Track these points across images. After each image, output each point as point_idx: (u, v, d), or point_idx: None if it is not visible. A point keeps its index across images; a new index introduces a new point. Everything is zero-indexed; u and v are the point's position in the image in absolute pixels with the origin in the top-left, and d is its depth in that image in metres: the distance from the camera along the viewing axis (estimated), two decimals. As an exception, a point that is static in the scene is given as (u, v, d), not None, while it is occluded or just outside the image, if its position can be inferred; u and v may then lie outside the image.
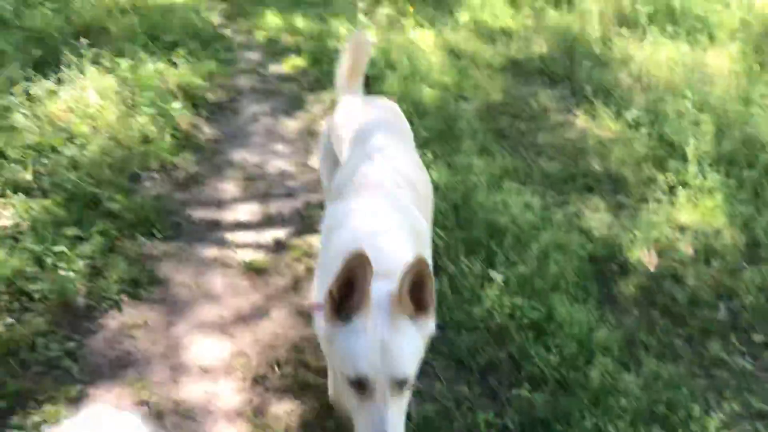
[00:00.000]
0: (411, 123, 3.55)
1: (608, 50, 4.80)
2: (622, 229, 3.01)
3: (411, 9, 5.25)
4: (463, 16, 5.42)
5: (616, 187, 3.40)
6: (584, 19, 5.19)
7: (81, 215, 2.77)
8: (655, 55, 4.50)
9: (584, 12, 5.26)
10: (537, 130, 3.95)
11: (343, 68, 2.55)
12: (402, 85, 4.16)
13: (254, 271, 2.66)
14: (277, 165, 3.49)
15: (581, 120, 4.05)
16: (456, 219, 2.97)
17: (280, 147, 3.66)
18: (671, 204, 3.15)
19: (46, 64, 3.88)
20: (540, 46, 4.96)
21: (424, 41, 4.88)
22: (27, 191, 2.86)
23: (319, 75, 4.39)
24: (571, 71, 4.58)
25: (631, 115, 3.86)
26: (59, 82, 3.72)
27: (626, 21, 5.13)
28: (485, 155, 3.56)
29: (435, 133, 3.68)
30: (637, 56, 4.57)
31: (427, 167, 3.31)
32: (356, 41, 2.58)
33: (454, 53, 4.79)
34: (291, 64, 4.53)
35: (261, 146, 3.66)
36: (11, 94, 3.50)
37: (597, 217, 3.14)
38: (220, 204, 3.12)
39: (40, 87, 3.57)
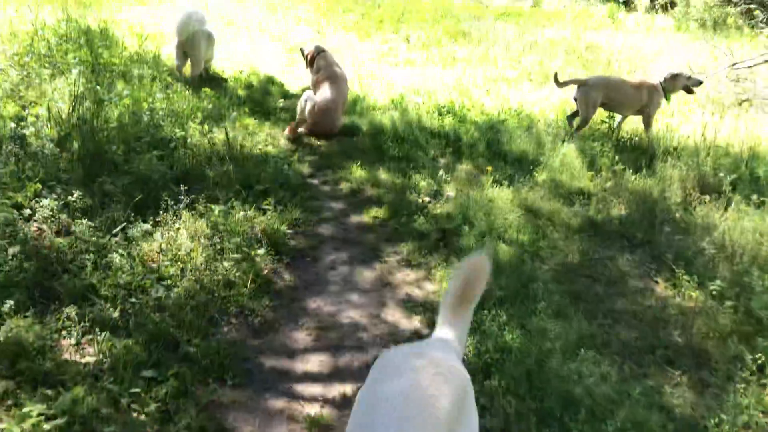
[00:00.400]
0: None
1: (690, 216, 4.75)
2: (707, 409, 2.83)
3: (489, 169, 5.42)
4: (541, 176, 5.55)
5: (699, 363, 3.24)
6: (664, 184, 5.22)
7: (159, 357, 2.87)
8: (739, 224, 4.42)
9: (664, 177, 5.29)
10: (615, 296, 3.87)
11: (452, 292, 2.18)
12: (479, 241, 4.23)
13: (319, 427, 2.63)
14: (350, 315, 3.54)
15: (662, 287, 3.96)
16: (528, 387, 2.88)
17: (354, 297, 3.73)
18: (761, 386, 2.96)
19: (146, 206, 4.20)
20: (619, 209, 4.97)
21: (501, 198, 4.99)
22: (113, 329, 3.01)
23: (398, 226, 4.54)
24: (650, 236, 4.54)
25: (714, 285, 3.74)
26: (156, 224, 4.00)
27: (708, 188, 5.12)
28: (561, 319, 3.50)
29: (509, 293, 3.66)
30: (721, 224, 4.50)
31: (500, 329, 3.31)
32: (475, 266, 2.19)
33: (531, 212, 4.86)
34: (371, 214, 4.71)
35: (336, 295, 3.74)
36: (112, 234, 3.80)
37: (678, 395, 2.97)
38: (291, 353, 3.16)
39: (138, 229, 3.85)
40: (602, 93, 6.36)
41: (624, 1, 16.69)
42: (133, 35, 8.99)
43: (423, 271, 4.01)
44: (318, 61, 6.79)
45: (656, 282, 4.03)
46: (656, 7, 16.11)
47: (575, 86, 6.52)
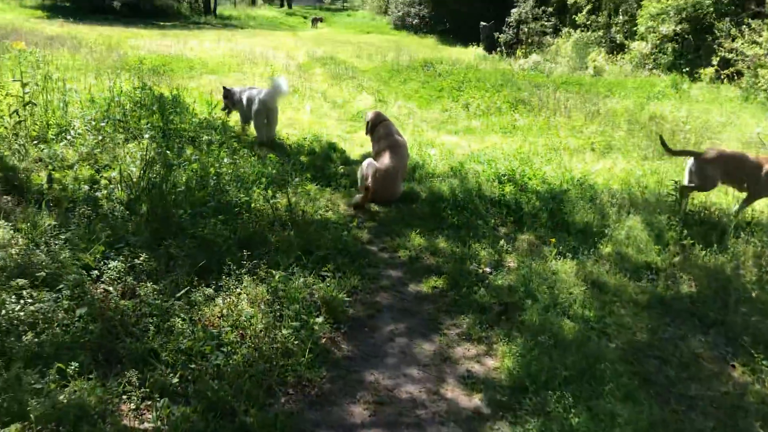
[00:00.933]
0: (549, 357, 3.46)
1: (767, 296, 4.50)
2: None
3: (553, 240, 5.31)
4: (606, 248, 5.40)
5: (787, 459, 2.99)
6: (738, 261, 4.99)
7: (216, 426, 2.83)
8: (823, 305, 4.15)
9: (738, 253, 5.07)
10: (688, 379, 3.65)
11: None
12: (542, 315, 4.10)
13: None
14: (408, 390, 3.44)
15: (739, 372, 3.72)
16: (598, 478, 2.70)
17: (413, 371, 3.64)
18: None
19: (209, 270, 4.27)
20: (689, 286, 4.77)
21: (565, 271, 4.86)
22: (172, 395, 3.00)
23: (458, 297, 4.45)
24: (724, 316, 4.31)
25: (799, 373, 3.49)
26: (218, 288, 4.05)
27: (787, 266, 4.86)
28: (630, 403, 3.31)
29: (575, 373, 3.51)
30: (802, 306, 4.25)
31: (566, 411, 3.15)
32: None
33: (597, 286, 4.70)
34: (430, 284, 4.65)
35: (394, 368, 3.65)
36: (175, 298, 3.85)
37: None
38: (348, 428, 3.08)
39: (201, 293, 3.89)
40: (721, 168, 6.06)
41: (687, 71, 16.51)
42: (202, 102, 9.39)
43: (484, 346, 3.90)
44: (378, 129, 6.91)
45: (733, 366, 3.79)
46: (722, 77, 15.86)
47: (689, 157, 6.34)
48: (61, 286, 3.72)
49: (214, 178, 5.94)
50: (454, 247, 5.30)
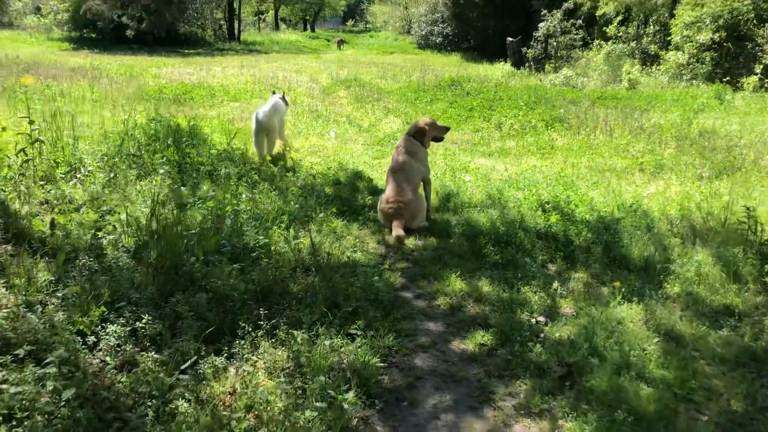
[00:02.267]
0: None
1: None
2: None
3: (617, 284, 4.64)
4: (674, 288, 4.72)
5: None
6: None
7: None
8: None
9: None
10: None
11: None
12: (613, 381, 3.44)
13: None
14: (460, 487, 2.81)
15: None
16: None
17: (464, 459, 3.00)
18: None
19: (221, 333, 3.71)
20: (783, 335, 4.06)
21: (632, 319, 4.19)
22: None
23: (510, 357, 3.80)
24: (834, 374, 3.60)
25: None
26: (230, 356, 3.48)
27: None
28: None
29: (666, 461, 2.84)
30: None
31: None
32: None
33: (671, 337, 4.03)
34: (476, 341, 4.01)
35: (441, 455, 3.02)
36: (180, 371, 3.29)
37: None
38: None
39: (209, 364, 3.32)
40: None
41: (728, 80, 15.70)
42: (222, 132, 8.93)
43: (546, 421, 3.24)
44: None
45: None
46: (766, 85, 15.03)
47: None
48: (48, 361, 3.19)
49: (231, 217, 5.42)
50: (500, 291, 4.67)
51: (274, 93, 8.95)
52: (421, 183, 6.30)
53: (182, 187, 6.26)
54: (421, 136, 6.30)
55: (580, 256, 5.37)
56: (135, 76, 15.66)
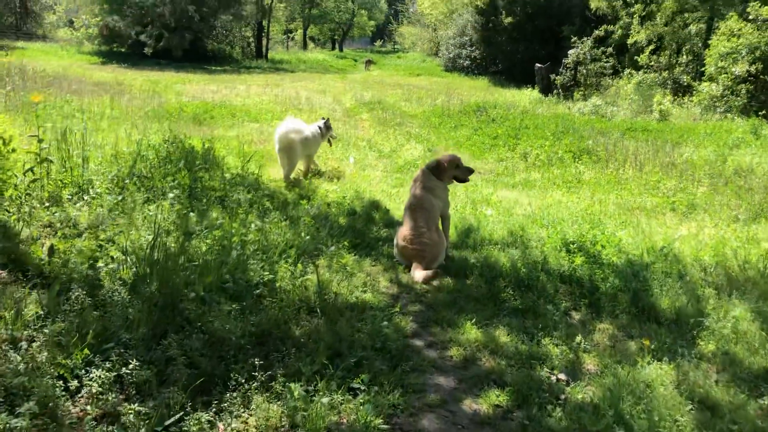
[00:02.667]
0: None
1: None
2: None
3: (646, 342, 4.26)
4: (709, 346, 4.34)
5: None
6: None
7: None
8: None
9: None
10: None
11: None
12: (641, 459, 3.08)
13: None
14: None
15: None
16: None
17: None
18: None
19: (212, 383, 3.42)
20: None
21: (662, 382, 3.82)
22: None
23: (527, 422, 3.46)
24: None
25: None
26: (219, 412, 3.19)
27: None
28: None
29: None
30: None
31: None
32: None
33: (706, 406, 3.65)
34: (490, 400, 3.66)
35: None
36: (164, 427, 3.00)
37: None
38: None
39: (195, 421, 3.03)
40: None
41: (764, 114, 15.19)
42: (239, 154, 8.74)
43: (566, 505, 2.89)
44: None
45: None
46: (804, 120, 14.52)
47: None
48: (21, 411, 2.93)
49: (238, 248, 5.16)
50: (518, 342, 4.33)
51: (322, 119, 9.20)
52: (439, 218, 5.99)
53: (191, 212, 6.05)
54: (440, 173, 5.97)
55: (606, 304, 5.01)
56: (158, 92, 15.63)
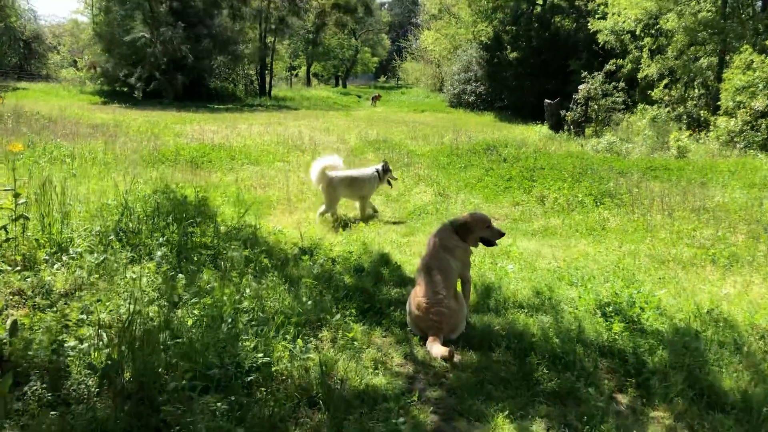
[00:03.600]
0: None
1: None
2: None
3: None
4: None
5: None
6: None
7: None
8: None
9: None
10: None
11: None
12: None
13: None
14: None
15: None
16: None
17: None
18: None
19: None
20: None
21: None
22: None
23: None
24: None
25: None
26: None
27: None
28: None
29: None
30: None
31: None
32: None
33: None
34: None
35: None
36: None
37: None
38: None
39: None
40: None
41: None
42: (235, 203, 8.12)
43: None
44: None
45: None
46: (830, 156, 13.88)
47: None
48: None
49: (229, 320, 4.49)
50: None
51: (383, 161, 9.58)
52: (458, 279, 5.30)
53: (179, 274, 5.41)
54: (466, 233, 5.25)
55: (657, 385, 4.28)
56: (155, 134, 15.12)
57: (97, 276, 5.26)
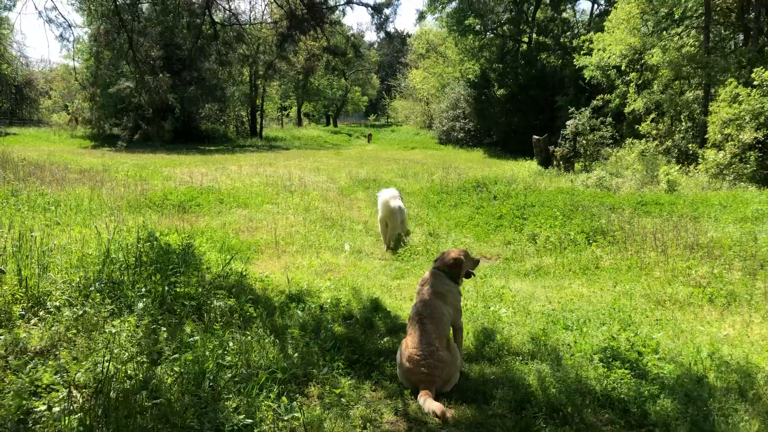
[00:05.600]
0: None
1: None
2: None
3: None
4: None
5: None
6: None
7: None
8: None
9: None
10: None
11: None
12: None
13: None
14: None
15: None
16: None
17: None
18: None
19: None
20: None
21: None
22: None
23: None
24: None
25: None
26: None
27: None
28: None
29: None
30: None
31: None
32: None
33: None
34: None
35: None
36: None
37: None
38: None
39: None
40: None
41: (775, 181, 14.56)
42: (222, 249, 7.94)
43: None
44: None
45: None
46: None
47: None
48: None
49: (211, 377, 4.29)
50: None
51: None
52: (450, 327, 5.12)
53: (161, 328, 5.20)
54: (458, 269, 5.14)
55: (661, 438, 4.09)
56: (144, 178, 14.99)
57: (74, 331, 5.05)
